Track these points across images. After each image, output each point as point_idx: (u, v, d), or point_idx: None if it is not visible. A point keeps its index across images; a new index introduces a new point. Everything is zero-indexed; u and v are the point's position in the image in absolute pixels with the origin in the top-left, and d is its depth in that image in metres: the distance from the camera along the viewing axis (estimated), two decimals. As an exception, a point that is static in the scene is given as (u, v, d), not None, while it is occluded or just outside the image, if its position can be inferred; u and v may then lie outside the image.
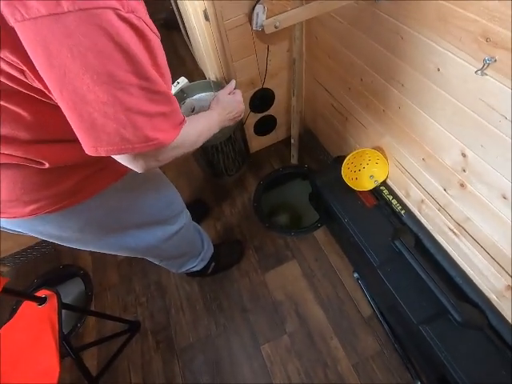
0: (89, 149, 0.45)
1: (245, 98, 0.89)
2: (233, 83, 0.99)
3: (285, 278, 1.35)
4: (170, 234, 0.92)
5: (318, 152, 1.67)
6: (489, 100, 0.63)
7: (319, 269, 1.34)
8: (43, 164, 0.53)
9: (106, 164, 0.62)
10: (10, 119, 0.46)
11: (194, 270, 1.23)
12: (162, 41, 0.48)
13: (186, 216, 1.00)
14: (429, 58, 0.73)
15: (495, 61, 0.58)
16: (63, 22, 0.35)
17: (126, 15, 0.39)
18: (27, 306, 0.96)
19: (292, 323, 1.24)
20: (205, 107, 0.93)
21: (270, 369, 1.16)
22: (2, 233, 0.70)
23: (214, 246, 1.30)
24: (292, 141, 1.58)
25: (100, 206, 0.67)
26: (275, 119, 1.59)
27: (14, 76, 0.41)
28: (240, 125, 1.51)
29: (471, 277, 0.91)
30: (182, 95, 1.25)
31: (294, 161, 1.68)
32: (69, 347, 0.92)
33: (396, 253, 0.97)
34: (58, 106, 0.42)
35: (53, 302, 0.95)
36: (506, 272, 0.78)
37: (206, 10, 1.00)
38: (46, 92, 0.42)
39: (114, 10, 0.37)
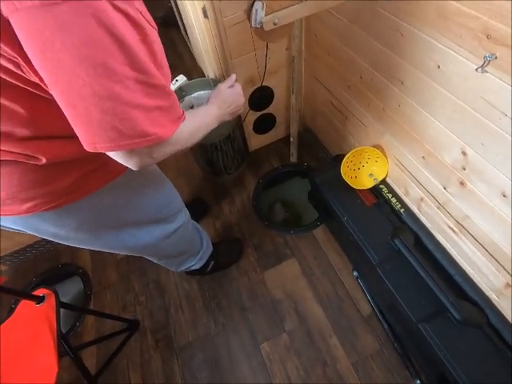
0: (87, 145, 0.45)
1: (244, 95, 0.88)
2: (233, 77, 0.98)
3: (284, 276, 1.35)
4: (168, 232, 0.92)
5: (317, 150, 1.66)
6: (489, 97, 0.63)
7: (318, 267, 1.34)
8: (40, 160, 0.52)
9: (103, 162, 0.61)
10: (7, 115, 0.46)
11: (193, 268, 1.23)
12: (160, 38, 0.47)
13: (184, 214, 1.00)
14: (429, 55, 0.72)
15: (496, 58, 0.58)
16: (56, 11, 0.34)
17: (122, 6, 0.38)
18: (25, 305, 0.96)
19: (291, 322, 1.24)
20: (204, 105, 0.92)
21: (269, 367, 1.16)
22: (1, 231, 0.70)
23: (213, 244, 1.30)
24: (291, 139, 1.58)
25: (97, 204, 0.67)
26: (274, 117, 1.58)
27: (10, 70, 0.40)
28: (239, 123, 1.50)
29: (470, 275, 0.91)
30: (180, 93, 1.24)
31: (293, 159, 1.67)
32: (67, 346, 0.92)
33: (395, 251, 0.97)
34: (55, 101, 0.42)
35: (51, 301, 0.95)
36: (505, 270, 0.78)
37: (204, 7, 0.99)
38: (43, 85, 0.42)
39: None
